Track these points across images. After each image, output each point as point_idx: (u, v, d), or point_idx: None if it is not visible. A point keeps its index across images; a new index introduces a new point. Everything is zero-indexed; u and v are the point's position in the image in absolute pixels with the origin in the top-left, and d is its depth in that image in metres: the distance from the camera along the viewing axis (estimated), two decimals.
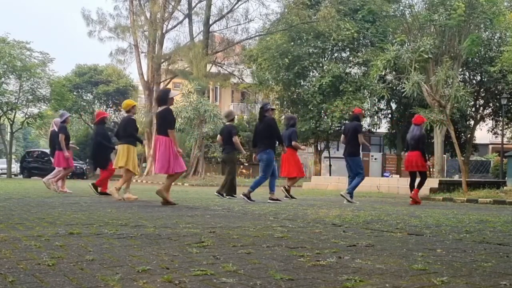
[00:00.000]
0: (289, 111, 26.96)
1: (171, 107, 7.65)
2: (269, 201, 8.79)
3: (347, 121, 8.89)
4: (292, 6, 25.29)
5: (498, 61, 20.81)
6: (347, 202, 9.05)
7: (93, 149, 10.02)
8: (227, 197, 9.69)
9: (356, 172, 9.41)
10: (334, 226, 4.67)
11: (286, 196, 10.05)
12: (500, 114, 25.07)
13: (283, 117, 29.18)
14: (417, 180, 9.95)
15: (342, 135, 9.83)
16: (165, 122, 7.27)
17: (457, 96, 14.61)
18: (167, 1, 27.40)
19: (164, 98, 7.42)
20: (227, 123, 10.25)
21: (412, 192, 9.75)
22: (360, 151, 9.73)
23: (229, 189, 9.92)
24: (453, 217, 6.10)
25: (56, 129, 11.02)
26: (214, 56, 28.57)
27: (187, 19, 27.73)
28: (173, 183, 7.67)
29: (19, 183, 16.74)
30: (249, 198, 8.71)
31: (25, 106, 31.20)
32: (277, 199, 8.87)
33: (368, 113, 26.23)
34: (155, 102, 7.49)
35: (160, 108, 7.43)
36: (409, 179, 10.21)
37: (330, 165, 27.45)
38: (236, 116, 10.71)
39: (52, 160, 11.22)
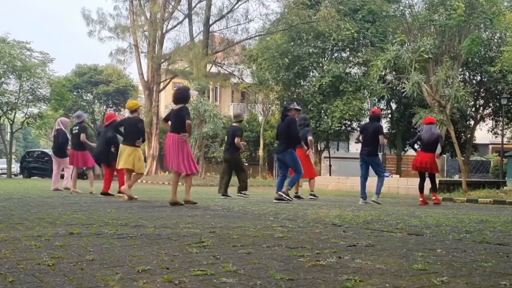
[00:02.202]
0: None
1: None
2: (281, 193, 8.78)
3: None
4: (292, 6, 25.29)
5: (498, 61, 20.80)
6: (375, 203, 9.07)
7: (104, 149, 9.67)
8: (239, 195, 10.01)
9: (378, 171, 9.44)
10: (334, 226, 4.66)
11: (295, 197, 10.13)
12: (500, 114, 25.06)
13: None
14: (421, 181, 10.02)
15: (359, 133, 9.72)
16: (182, 121, 7.21)
17: (457, 96, 14.61)
18: (167, 1, 27.42)
19: (186, 96, 7.43)
20: (234, 124, 10.34)
21: (432, 193, 9.90)
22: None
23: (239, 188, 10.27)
24: (453, 217, 6.10)
25: (64, 128, 11.08)
26: (214, 56, 28.57)
27: (187, 19, 27.75)
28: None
29: (19, 183, 16.74)
30: (288, 195, 8.82)
31: (25, 106, 31.21)
32: (289, 197, 8.86)
33: (368, 113, 26.23)
34: (173, 99, 7.40)
35: (177, 106, 7.32)
36: (418, 179, 10.21)
37: (330, 165, 27.44)
38: (243, 118, 11.05)
39: (66, 160, 11.11)
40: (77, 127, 10.55)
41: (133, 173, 8.72)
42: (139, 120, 8.82)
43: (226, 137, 10.40)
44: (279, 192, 8.78)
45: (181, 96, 7.40)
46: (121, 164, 8.53)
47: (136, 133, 8.58)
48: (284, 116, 8.91)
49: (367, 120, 27.71)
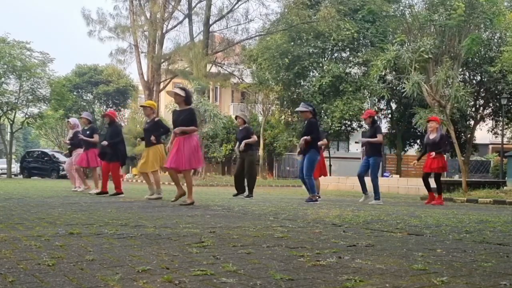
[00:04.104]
0: (289, 111, 26.95)
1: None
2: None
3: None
4: (292, 6, 25.29)
5: (498, 61, 20.79)
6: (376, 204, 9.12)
7: (123, 147, 9.77)
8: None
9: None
10: (334, 226, 4.66)
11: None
12: (500, 114, 25.06)
13: (283, 117, 29.23)
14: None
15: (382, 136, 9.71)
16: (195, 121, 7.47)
17: (457, 96, 14.61)
18: (167, 1, 27.41)
19: (191, 97, 7.66)
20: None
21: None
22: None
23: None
24: (453, 217, 6.10)
25: (79, 129, 11.09)
26: (214, 56, 28.57)
27: (187, 19, 27.75)
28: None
29: (19, 183, 16.74)
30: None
31: (25, 106, 31.21)
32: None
33: None
34: (187, 100, 7.43)
35: (188, 107, 7.46)
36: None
37: (330, 165, 27.44)
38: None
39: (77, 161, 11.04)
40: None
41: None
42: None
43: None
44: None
45: (191, 97, 7.64)
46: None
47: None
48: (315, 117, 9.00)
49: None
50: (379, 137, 9.27)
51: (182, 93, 7.38)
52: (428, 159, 9.82)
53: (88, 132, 10.60)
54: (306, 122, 8.93)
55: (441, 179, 13.83)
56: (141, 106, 9.75)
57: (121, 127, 9.90)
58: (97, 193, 9.57)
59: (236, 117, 10.69)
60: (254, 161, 10.20)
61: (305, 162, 8.71)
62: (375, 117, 9.84)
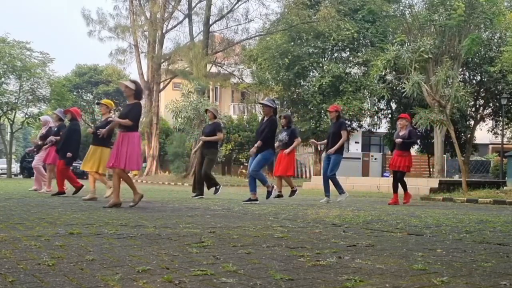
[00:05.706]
0: (289, 111, 26.95)
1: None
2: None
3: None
4: (292, 6, 25.30)
5: (498, 61, 20.80)
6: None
7: (76, 146, 9.43)
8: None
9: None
10: (334, 226, 4.66)
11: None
12: (500, 114, 25.06)
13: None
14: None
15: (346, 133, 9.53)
16: (139, 117, 7.03)
17: (457, 96, 14.61)
18: (167, 1, 27.43)
19: (142, 91, 7.15)
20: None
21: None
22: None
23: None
24: (453, 217, 6.10)
25: (52, 125, 10.83)
26: (214, 56, 28.58)
27: (187, 19, 27.77)
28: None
29: (19, 183, 16.74)
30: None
31: (25, 106, 31.25)
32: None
33: (368, 113, 26.23)
34: (136, 94, 6.91)
35: (134, 101, 6.92)
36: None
37: None
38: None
39: (43, 158, 10.82)
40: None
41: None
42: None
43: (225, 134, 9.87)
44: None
45: (141, 91, 7.14)
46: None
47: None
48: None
49: (368, 120, 27.71)
50: (344, 135, 9.20)
51: (132, 86, 6.86)
52: (394, 157, 9.65)
53: (55, 129, 10.47)
54: (267, 119, 8.48)
55: (441, 179, 13.77)
56: (97, 103, 9.48)
57: (79, 127, 9.73)
58: (54, 194, 9.21)
59: (206, 111, 10.28)
60: (214, 160, 9.70)
61: (258, 157, 8.29)
62: (340, 113, 9.70)
